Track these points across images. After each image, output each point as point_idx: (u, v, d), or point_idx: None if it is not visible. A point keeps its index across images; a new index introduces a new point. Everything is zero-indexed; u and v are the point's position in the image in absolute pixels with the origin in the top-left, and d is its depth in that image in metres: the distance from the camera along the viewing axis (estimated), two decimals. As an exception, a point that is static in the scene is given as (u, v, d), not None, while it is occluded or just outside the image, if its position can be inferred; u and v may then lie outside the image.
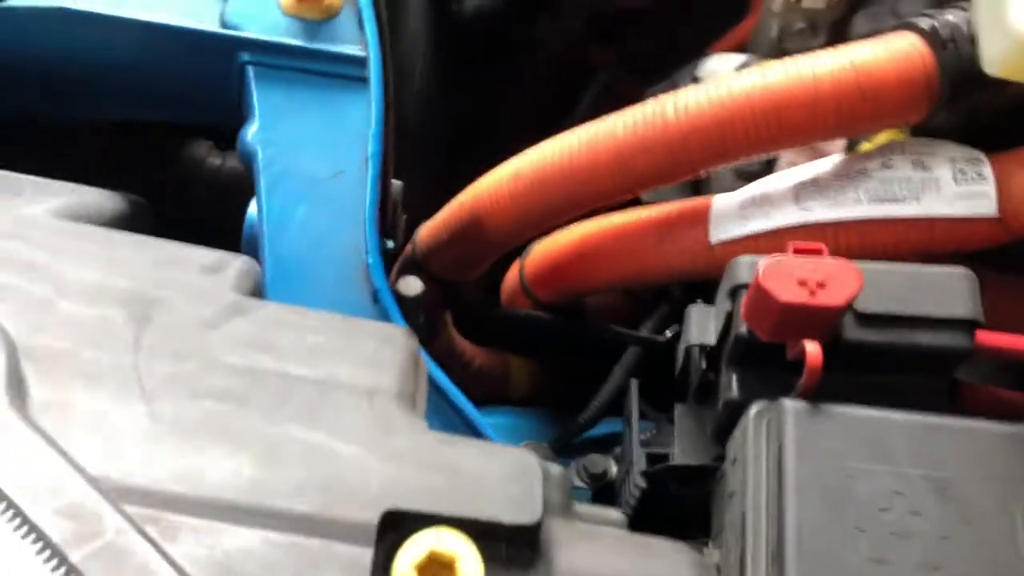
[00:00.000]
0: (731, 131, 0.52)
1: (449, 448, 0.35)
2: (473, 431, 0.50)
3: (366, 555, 0.31)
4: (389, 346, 0.40)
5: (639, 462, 0.55)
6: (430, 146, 0.86)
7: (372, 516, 0.32)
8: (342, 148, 0.57)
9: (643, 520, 0.60)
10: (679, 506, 0.56)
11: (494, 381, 0.83)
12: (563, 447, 0.82)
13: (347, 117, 0.58)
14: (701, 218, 0.57)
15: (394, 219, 0.65)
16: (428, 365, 0.51)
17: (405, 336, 0.42)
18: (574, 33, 0.88)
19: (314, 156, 0.57)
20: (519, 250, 0.68)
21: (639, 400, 0.61)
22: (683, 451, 0.54)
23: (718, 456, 0.52)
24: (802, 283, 0.44)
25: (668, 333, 0.71)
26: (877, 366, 0.47)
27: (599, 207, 0.58)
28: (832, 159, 0.57)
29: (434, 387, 0.51)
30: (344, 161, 0.57)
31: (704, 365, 0.52)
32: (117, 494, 0.31)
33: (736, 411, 0.49)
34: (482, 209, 0.59)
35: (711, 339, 0.51)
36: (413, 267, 0.66)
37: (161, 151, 0.75)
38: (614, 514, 0.39)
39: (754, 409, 0.45)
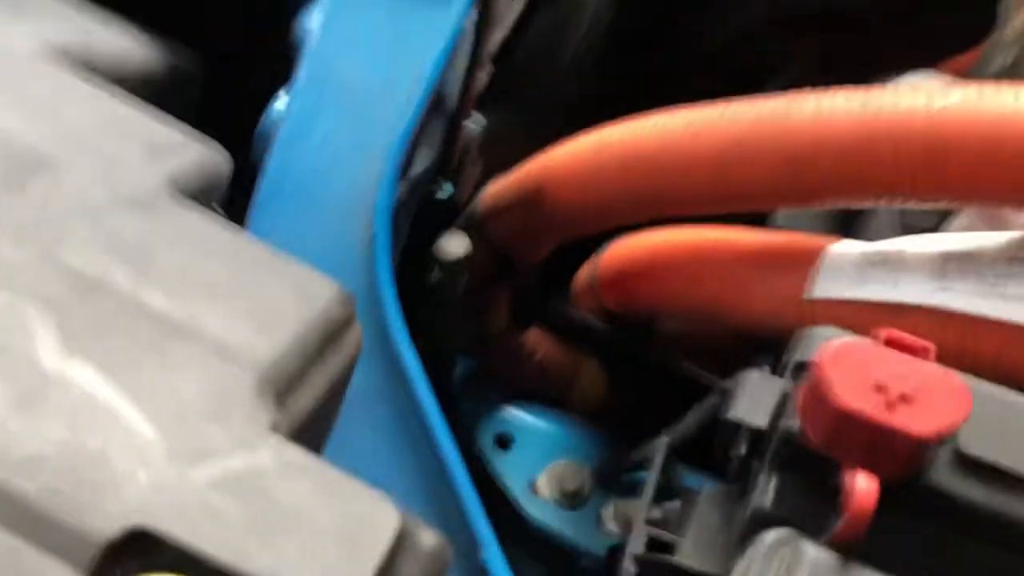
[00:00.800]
0: (878, 157, 0.38)
1: (274, 468, 0.25)
2: (433, 455, 0.40)
3: (69, 583, 0.21)
4: (298, 302, 0.31)
5: (636, 542, 0.44)
6: (562, 111, 0.75)
7: (112, 528, 0.23)
8: (399, 65, 0.47)
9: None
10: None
11: (557, 381, 0.72)
12: (608, 479, 0.71)
13: (419, 33, 0.48)
14: (807, 261, 0.43)
15: (460, 164, 0.55)
16: (402, 350, 0.41)
17: (336, 297, 0.32)
18: (758, 25, 0.74)
19: (366, 65, 0.47)
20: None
21: (679, 463, 0.49)
22: (694, 547, 0.42)
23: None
24: (879, 388, 0.31)
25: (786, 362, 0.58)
26: (965, 530, 0.33)
27: (690, 213, 0.46)
28: (1010, 235, 0.42)
29: (400, 378, 0.41)
30: (396, 79, 0.47)
31: (744, 450, 0.40)
32: None
33: (764, 525, 0.36)
34: (549, 180, 0.48)
35: (761, 420, 0.39)
36: (472, 226, 0.56)
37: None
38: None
39: (771, 537, 0.33)
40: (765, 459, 0.38)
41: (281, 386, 0.28)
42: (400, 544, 0.26)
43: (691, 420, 0.64)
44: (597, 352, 0.64)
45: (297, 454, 0.26)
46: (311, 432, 0.31)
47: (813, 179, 0.40)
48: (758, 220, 0.53)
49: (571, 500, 0.70)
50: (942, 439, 0.31)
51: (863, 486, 0.30)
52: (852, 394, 0.30)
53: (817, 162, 0.39)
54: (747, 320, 0.45)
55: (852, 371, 0.31)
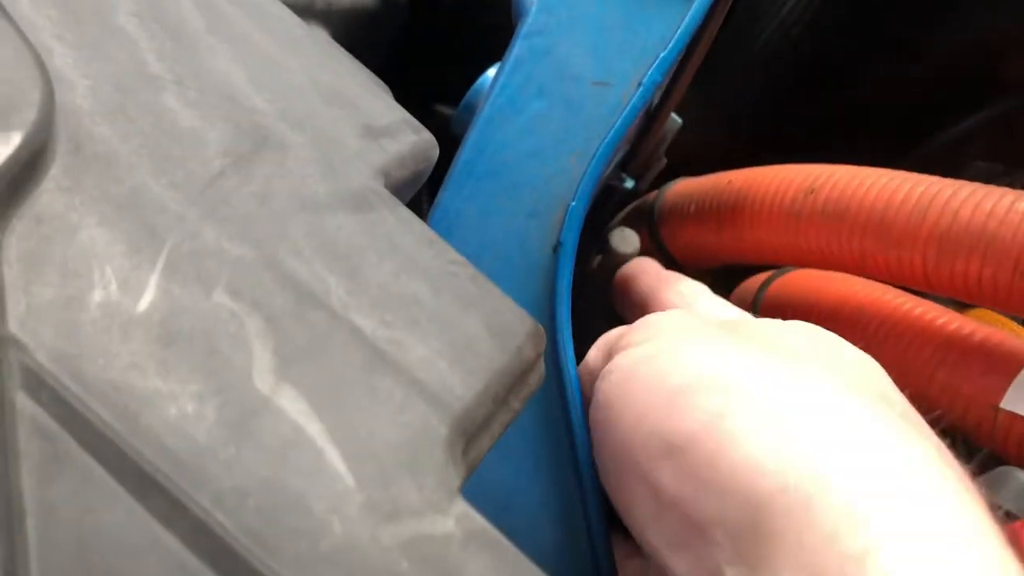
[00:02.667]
0: None
1: (458, 540, 0.25)
2: (577, 487, 0.39)
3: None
4: (496, 342, 0.30)
5: None
6: (751, 106, 0.72)
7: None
8: (623, 57, 0.45)
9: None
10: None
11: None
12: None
13: (650, 26, 0.45)
14: (1007, 363, 0.41)
15: (650, 159, 0.53)
16: (567, 373, 0.40)
17: (529, 335, 0.31)
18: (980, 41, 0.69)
19: (586, 52, 0.45)
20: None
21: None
22: None
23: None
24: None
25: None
26: None
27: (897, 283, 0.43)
28: None
29: (558, 401, 0.40)
30: (616, 73, 0.45)
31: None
32: (25, 377, 0.23)
33: None
34: (746, 209, 0.46)
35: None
36: (643, 219, 0.54)
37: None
38: None
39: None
40: None
41: (469, 435, 0.28)
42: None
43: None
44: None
45: (482, 525, 0.25)
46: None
47: None
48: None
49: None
50: None
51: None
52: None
53: None
54: (922, 403, 0.43)
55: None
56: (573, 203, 0.42)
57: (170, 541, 0.22)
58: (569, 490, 0.40)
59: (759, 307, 0.54)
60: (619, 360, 0.33)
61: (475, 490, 0.38)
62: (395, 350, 0.28)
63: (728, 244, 0.48)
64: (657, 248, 0.53)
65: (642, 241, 0.52)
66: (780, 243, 0.44)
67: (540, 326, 0.32)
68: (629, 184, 0.52)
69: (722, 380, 0.29)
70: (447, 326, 0.29)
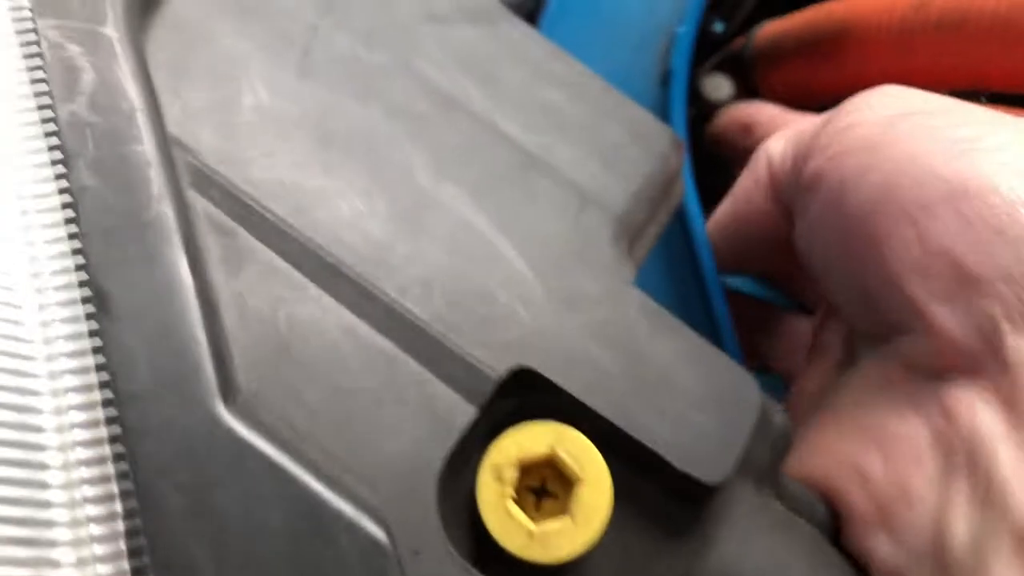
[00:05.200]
0: None
1: (644, 325, 0.24)
2: (706, 315, 0.38)
3: (465, 413, 0.21)
4: (641, 147, 0.29)
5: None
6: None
7: (501, 364, 0.22)
8: None
9: None
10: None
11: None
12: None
13: None
14: None
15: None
16: (689, 202, 0.39)
17: (671, 144, 0.30)
18: None
19: None
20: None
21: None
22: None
23: None
24: None
25: None
26: None
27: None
28: None
29: (681, 236, 0.39)
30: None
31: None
32: (193, 176, 0.22)
33: None
34: (851, 34, 0.43)
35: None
36: (735, 67, 0.52)
37: None
38: (825, 510, 0.27)
39: None
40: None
41: (631, 236, 0.27)
42: (760, 425, 0.24)
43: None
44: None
45: (660, 311, 0.24)
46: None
47: None
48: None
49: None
50: None
51: None
52: None
53: None
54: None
55: None
56: (681, 28, 0.40)
57: (363, 328, 0.21)
58: (697, 319, 0.39)
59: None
60: (861, 116, 0.30)
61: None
62: (545, 153, 0.27)
63: (829, 79, 0.46)
64: (751, 94, 0.51)
65: (736, 89, 0.50)
66: (888, 69, 0.42)
67: (680, 138, 0.31)
68: (719, 27, 0.50)
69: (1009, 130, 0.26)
70: (591, 132, 0.28)
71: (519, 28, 0.30)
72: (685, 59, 0.38)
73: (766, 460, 0.25)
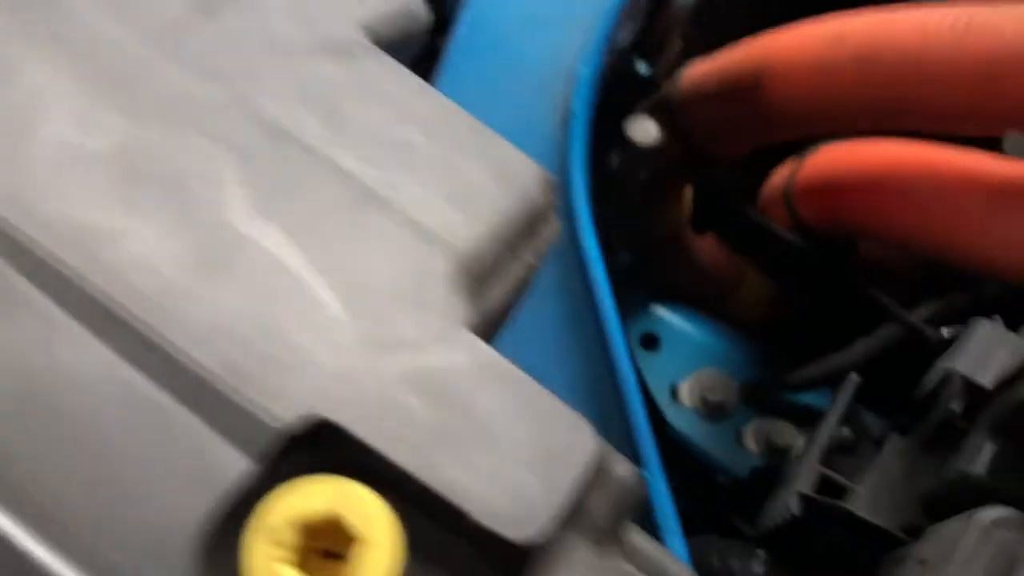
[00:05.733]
0: None
1: (470, 372, 0.22)
2: (604, 359, 0.37)
3: (240, 469, 0.19)
4: (501, 186, 0.27)
5: (805, 481, 0.40)
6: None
7: (290, 415, 0.20)
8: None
9: (779, 549, 0.46)
10: (833, 552, 0.41)
11: (719, 288, 0.68)
12: (755, 397, 0.67)
13: None
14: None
15: (663, 41, 0.50)
16: (586, 244, 0.38)
17: (539, 182, 0.29)
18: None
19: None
20: (796, 146, 0.51)
21: (856, 402, 0.45)
22: (871, 497, 0.38)
23: (912, 527, 0.37)
24: None
25: (945, 332, 0.53)
26: None
27: (937, 130, 0.40)
28: None
29: (580, 274, 0.37)
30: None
31: (959, 407, 0.35)
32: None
33: (968, 495, 0.32)
34: (770, 70, 0.42)
35: (985, 379, 0.34)
36: (664, 111, 0.51)
37: None
38: (684, 573, 0.25)
39: (991, 515, 0.29)
40: (980, 421, 0.34)
41: (476, 277, 0.25)
42: (594, 473, 0.23)
43: (860, 349, 0.59)
44: (777, 264, 0.59)
45: (494, 358, 0.23)
46: (494, 332, 0.28)
47: None
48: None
49: (713, 412, 0.67)
50: None
51: None
52: None
53: None
54: (976, 260, 0.40)
55: None
56: (580, 69, 0.39)
57: (136, 378, 0.20)
58: (597, 372, 0.38)
59: (792, 194, 0.51)
60: None
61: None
62: (386, 189, 0.25)
63: (752, 119, 0.44)
64: (678, 137, 0.50)
65: (663, 132, 0.49)
66: (809, 104, 0.41)
67: (549, 174, 0.30)
68: (643, 69, 0.49)
69: None
70: (445, 170, 0.27)
71: (385, 65, 0.29)
72: (585, 100, 0.37)
73: (607, 517, 0.23)
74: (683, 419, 0.66)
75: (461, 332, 0.23)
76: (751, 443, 0.67)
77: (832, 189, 0.48)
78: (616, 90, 0.51)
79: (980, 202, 0.39)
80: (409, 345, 0.22)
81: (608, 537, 0.23)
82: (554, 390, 0.40)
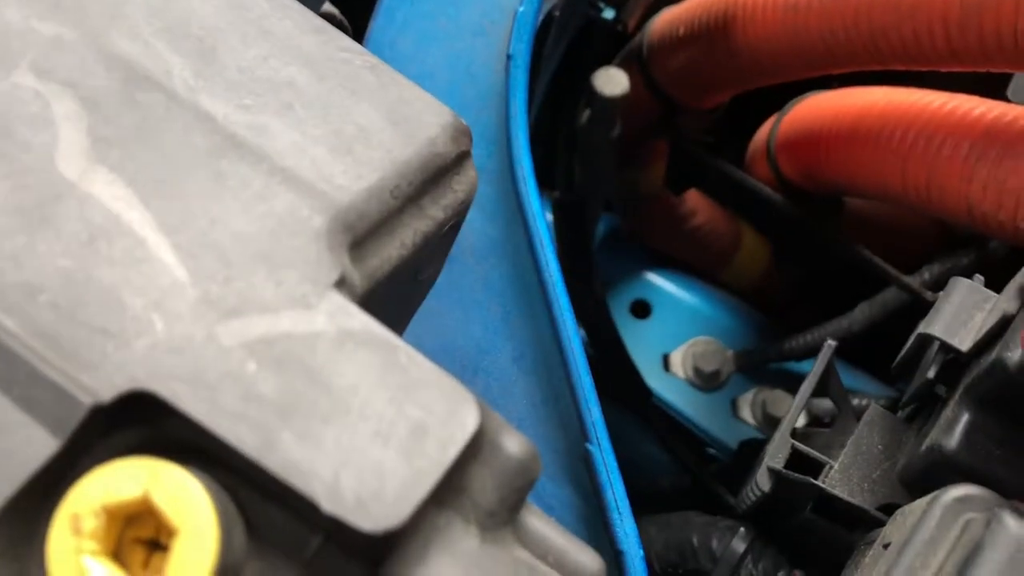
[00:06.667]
0: None
1: (330, 337, 0.20)
2: (549, 325, 0.34)
3: (45, 448, 0.17)
4: (400, 132, 0.25)
5: (776, 455, 0.37)
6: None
7: (107, 389, 0.18)
8: None
9: (761, 525, 0.43)
10: (809, 531, 0.38)
11: (714, 251, 0.64)
12: (751, 365, 0.64)
13: None
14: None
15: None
16: (528, 200, 0.35)
17: (449, 130, 0.26)
18: None
19: None
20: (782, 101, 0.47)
21: (841, 369, 0.41)
22: (845, 473, 0.35)
23: (890, 506, 0.34)
24: None
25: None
26: None
27: (907, 68, 0.36)
28: None
29: (523, 233, 0.35)
30: None
31: (933, 374, 0.32)
32: None
33: (944, 471, 0.29)
34: (739, 13, 0.39)
35: (963, 343, 0.31)
36: (637, 61, 0.47)
37: None
38: (590, 561, 0.22)
39: (955, 493, 0.26)
40: (958, 389, 0.31)
41: (360, 233, 0.23)
42: (476, 449, 0.20)
43: (860, 315, 0.56)
44: (764, 226, 0.55)
45: (364, 322, 0.20)
46: (395, 295, 0.26)
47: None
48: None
49: (707, 382, 0.63)
50: None
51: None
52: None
53: None
54: (956, 212, 0.36)
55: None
56: (521, 8, 0.36)
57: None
58: (544, 340, 0.35)
59: (774, 149, 0.47)
60: None
61: (441, 355, 0.32)
62: (257, 136, 0.23)
63: (724, 63, 0.41)
64: (650, 88, 0.47)
65: (634, 84, 0.46)
66: (780, 46, 0.37)
67: (463, 121, 0.27)
68: (608, 14, 0.46)
69: None
70: (331, 113, 0.24)
71: (275, 6, 0.26)
72: (526, 41, 0.34)
73: (494, 498, 0.20)
74: (674, 389, 0.63)
75: (326, 295, 0.20)
76: (747, 414, 0.64)
77: (810, 141, 0.44)
78: (585, 36, 0.48)
79: (963, 149, 0.36)
80: (260, 309, 0.20)
81: (496, 520, 0.21)
82: (500, 362, 0.37)
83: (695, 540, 0.47)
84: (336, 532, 0.18)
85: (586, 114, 0.48)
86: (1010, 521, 0.23)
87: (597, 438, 0.33)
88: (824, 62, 0.37)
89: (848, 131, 0.41)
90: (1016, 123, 0.35)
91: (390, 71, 0.27)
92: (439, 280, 0.33)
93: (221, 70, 0.24)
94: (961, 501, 0.26)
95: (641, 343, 0.63)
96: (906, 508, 0.28)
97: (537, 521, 0.22)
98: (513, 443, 0.21)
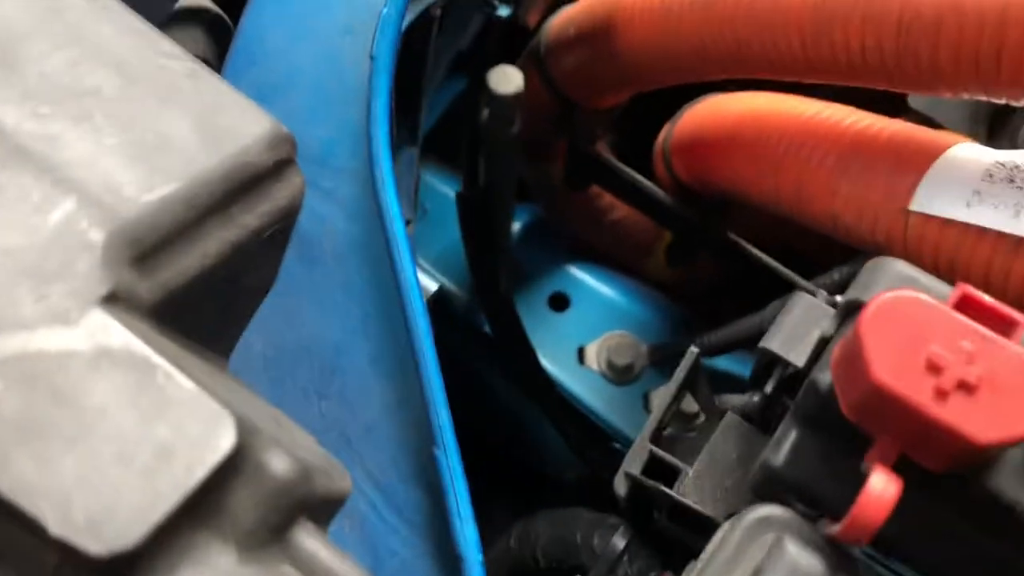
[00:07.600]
0: None
1: (84, 356, 0.20)
2: (405, 329, 0.34)
3: None
4: (206, 141, 0.25)
5: (634, 459, 0.37)
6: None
7: None
8: None
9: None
10: (671, 536, 0.39)
11: (634, 246, 0.64)
12: (665, 359, 0.64)
13: None
14: (917, 163, 0.34)
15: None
16: (386, 203, 0.34)
17: (265, 139, 0.26)
18: None
19: None
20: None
21: (702, 373, 0.41)
22: (698, 481, 0.36)
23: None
24: (933, 367, 0.23)
25: (839, 298, 0.50)
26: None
27: (776, 78, 0.36)
28: None
29: (382, 235, 0.34)
30: None
31: (770, 389, 0.32)
32: None
33: (773, 484, 0.30)
34: (620, 16, 0.39)
35: (798, 359, 0.31)
36: (534, 61, 0.47)
37: None
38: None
39: (759, 514, 0.26)
40: (792, 406, 0.31)
41: (148, 245, 0.22)
42: (236, 469, 0.20)
43: (771, 313, 0.56)
44: (663, 224, 0.56)
45: (124, 340, 0.20)
46: (211, 303, 0.26)
47: (943, 56, 0.30)
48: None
49: (620, 375, 0.64)
50: (1006, 446, 0.23)
51: (877, 488, 0.22)
52: (893, 368, 0.23)
53: (955, 32, 0.29)
54: (830, 221, 0.37)
55: (901, 337, 0.23)
56: (385, 10, 0.36)
57: None
58: (400, 342, 0.35)
59: (669, 151, 0.47)
60: None
61: (298, 354, 0.32)
62: (44, 146, 0.22)
63: (608, 63, 0.41)
64: (548, 86, 0.47)
65: (532, 82, 0.45)
66: (655, 52, 0.37)
67: (286, 129, 0.27)
68: (503, 12, 0.46)
69: None
70: (134, 124, 0.24)
71: (92, 2, 0.26)
72: (389, 43, 0.34)
73: (258, 518, 0.21)
74: (587, 382, 0.63)
75: (90, 311, 0.20)
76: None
77: (697, 145, 0.44)
78: (481, 33, 0.48)
79: (830, 160, 0.36)
80: (14, 326, 0.20)
81: (257, 539, 0.21)
82: (357, 363, 0.37)
83: (579, 537, 0.47)
84: (69, 555, 0.18)
85: (485, 112, 0.48)
86: (790, 547, 0.24)
87: (444, 442, 0.34)
88: (696, 70, 0.37)
89: (728, 136, 0.41)
90: (880, 136, 0.35)
91: (211, 78, 0.26)
92: (300, 279, 0.33)
93: (19, 76, 0.23)
94: (762, 522, 0.26)
95: (558, 336, 0.63)
96: (725, 524, 0.29)
97: (310, 540, 0.22)
98: (279, 463, 0.21)
